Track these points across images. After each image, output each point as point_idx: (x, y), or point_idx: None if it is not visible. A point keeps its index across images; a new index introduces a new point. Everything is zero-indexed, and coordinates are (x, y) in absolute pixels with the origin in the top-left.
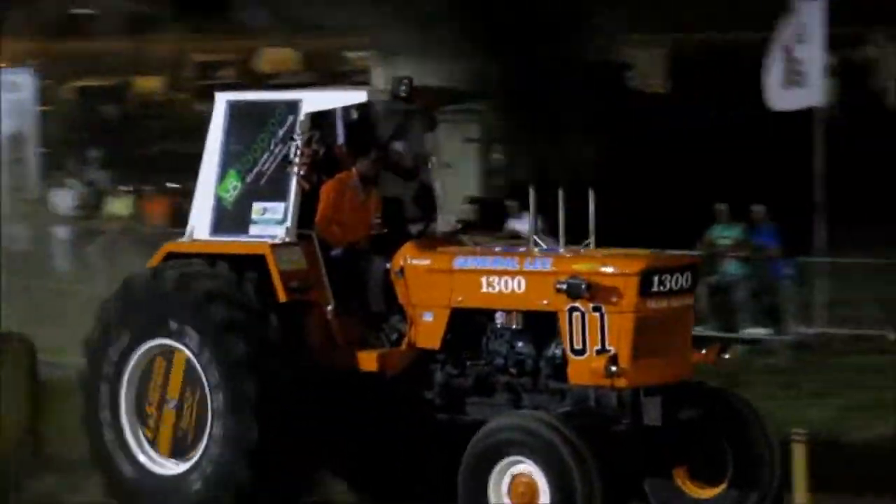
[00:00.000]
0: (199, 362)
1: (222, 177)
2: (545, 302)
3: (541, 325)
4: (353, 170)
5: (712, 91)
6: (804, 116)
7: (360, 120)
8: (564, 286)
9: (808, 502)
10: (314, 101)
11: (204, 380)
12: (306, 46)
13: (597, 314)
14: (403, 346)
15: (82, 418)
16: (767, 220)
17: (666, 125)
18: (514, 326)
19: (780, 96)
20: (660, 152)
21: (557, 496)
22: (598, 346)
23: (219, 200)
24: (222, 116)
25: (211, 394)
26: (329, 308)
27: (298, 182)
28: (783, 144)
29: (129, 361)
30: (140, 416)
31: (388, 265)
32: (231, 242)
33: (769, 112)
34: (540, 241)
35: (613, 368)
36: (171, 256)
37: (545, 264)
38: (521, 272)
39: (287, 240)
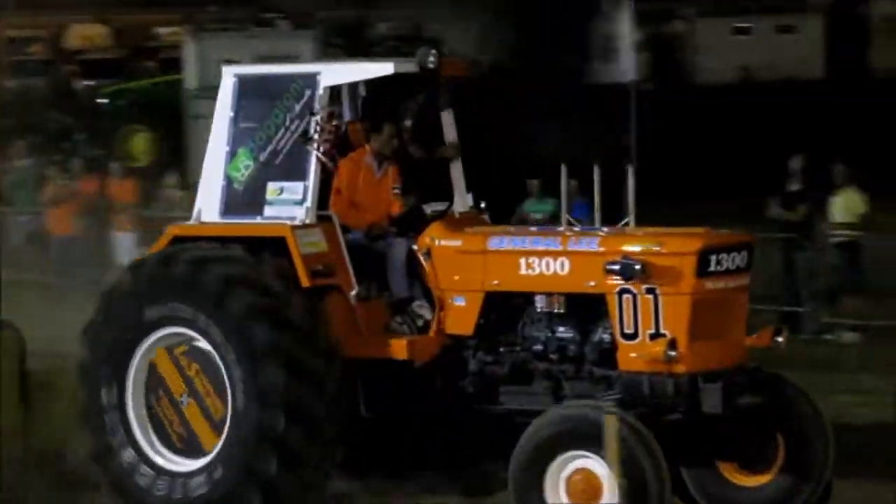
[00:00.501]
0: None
1: (232, 156)
2: (592, 284)
3: (585, 309)
4: (367, 147)
5: (526, 65)
6: (616, 90)
7: (372, 95)
8: (616, 267)
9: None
10: (334, 74)
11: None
12: (116, 22)
13: (650, 296)
14: (431, 333)
15: (82, 410)
16: (579, 194)
17: (479, 100)
18: (554, 310)
19: (595, 71)
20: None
21: (626, 494)
22: (652, 330)
23: (229, 181)
24: (230, 91)
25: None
26: (352, 293)
27: (319, 160)
28: (593, 118)
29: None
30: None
31: (411, 247)
32: (245, 224)
33: (582, 85)
34: (573, 221)
35: (672, 353)
36: (177, 241)
37: (592, 244)
38: (565, 253)
39: (307, 221)
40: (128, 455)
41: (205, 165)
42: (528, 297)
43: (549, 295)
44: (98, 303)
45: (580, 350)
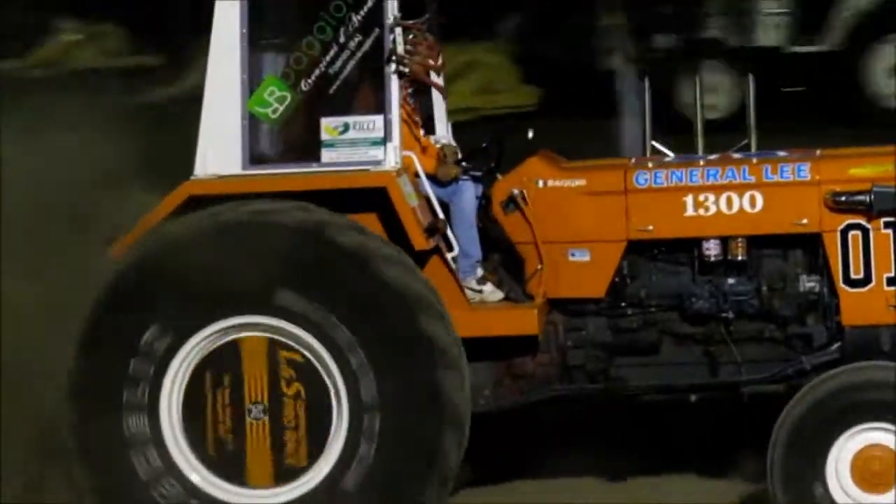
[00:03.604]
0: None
1: (253, 86)
2: (804, 221)
3: (779, 253)
4: None
5: None
6: None
7: None
8: (862, 197)
9: None
10: None
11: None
12: None
13: (889, 231)
14: (539, 298)
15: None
16: None
17: None
18: (731, 258)
19: None
20: None
21: None
22: (892, 273)
23: (253, 119)
24: (237, 4)
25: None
26: (452, 255)
27: (423, 81)
28: None
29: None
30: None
31: (483, 191)
32: (309, 175)
33: None
34: (661, 147)
35: None
36: (195, 202)
37: (802, 172)
38: (759, 185)
39: (397, 165)
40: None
41: (205, 101)
42: (688, 245)
43: (724, 240)
44: (105, 289)
45: (767, 304)
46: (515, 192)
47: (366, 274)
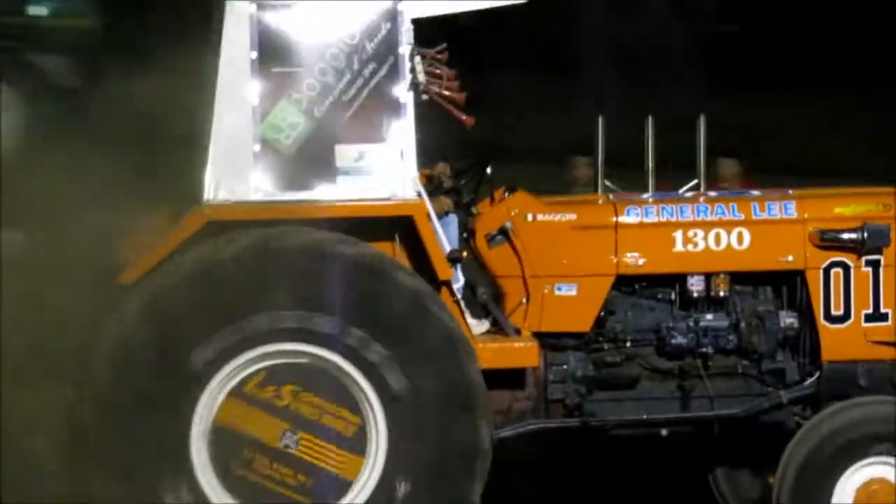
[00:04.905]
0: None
1: (265, 112)
2: (789, 258)
3: (760, 289)
4: None
5: None
6: None
7: None
8: (854, 235)
9: None
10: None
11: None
12: None
13: (868, 269)
14: (525, 332)
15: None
16: None
17: None
18: (714, 293)
19: None
20: None
21: None
22: (870, 310)
23: (266, 145)
24: (246, 28)
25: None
26: (458, 287)
27: (447, 110)
28: None
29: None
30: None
31: (462, 224)
32: (328, 203)
33: None
34: (611, 185)
35: None
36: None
37: (789, 210)
38: (747, 222)
39: (414, 195)
40: None
41: (214, 126)
42: (671, 280)
43: (708, 276)
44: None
45: (746, 339)
46: (507, 224)
47: (423, 316)
